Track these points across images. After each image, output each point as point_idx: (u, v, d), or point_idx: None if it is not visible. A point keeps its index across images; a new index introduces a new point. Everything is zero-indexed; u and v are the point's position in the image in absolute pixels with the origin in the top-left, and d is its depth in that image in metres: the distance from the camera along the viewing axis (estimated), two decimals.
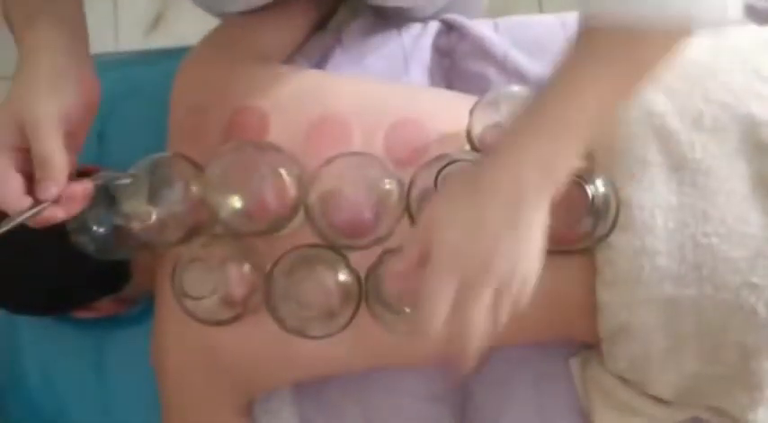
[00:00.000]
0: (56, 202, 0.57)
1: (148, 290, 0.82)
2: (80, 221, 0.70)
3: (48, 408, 0.91)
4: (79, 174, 0.75)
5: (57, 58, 0.57)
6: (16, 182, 0.55)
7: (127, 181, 0.68)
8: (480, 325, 0.51)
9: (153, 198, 0.68)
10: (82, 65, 0.59)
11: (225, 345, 0.72)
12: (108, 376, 0.91)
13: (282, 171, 0.66)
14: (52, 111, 0.55)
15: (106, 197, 0.70)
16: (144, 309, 0.89)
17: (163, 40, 1.55)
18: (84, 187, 0.59)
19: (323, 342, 0.66)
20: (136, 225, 0.68)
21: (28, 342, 0.92)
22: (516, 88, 0.67)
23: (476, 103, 0.69)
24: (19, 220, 0.56)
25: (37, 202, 0.56)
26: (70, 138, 0.57)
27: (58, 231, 0.70)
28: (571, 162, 0.54)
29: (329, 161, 0.66)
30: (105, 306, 0.84)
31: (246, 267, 0.69)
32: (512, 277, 0.52)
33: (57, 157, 0.55)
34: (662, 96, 0.69)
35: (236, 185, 0.64)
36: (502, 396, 0.80)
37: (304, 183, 0.66)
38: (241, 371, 0.74)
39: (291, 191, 0.66)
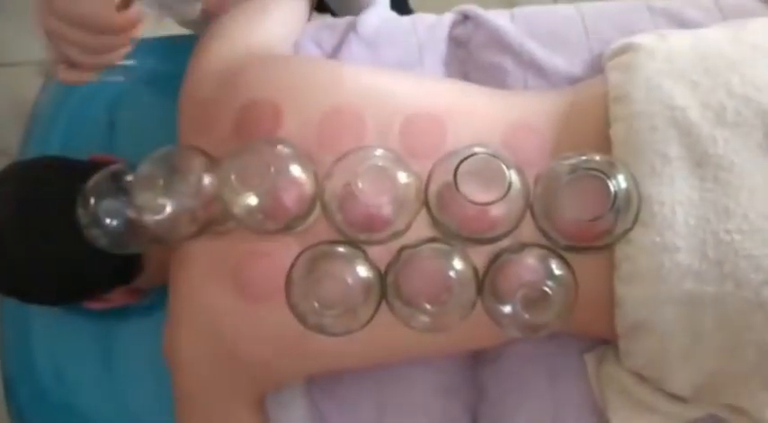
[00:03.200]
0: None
1: (160, 281, 0.81)
2: (92, 215, 0.69)
3: (57, 397, 0.91)
4: (94, 164, 0.75)
5: None
6: None
7: (140, 174, 0.68)
8: None
9: (166, 191, 0.67)
10: None
11: (239, 338, 0.72)
12: (117, 366, 0.91)
13: (298, 168, 0.65)
14: None
15: (119, 190, 0.70)
16: (155, 300, 0.89)
17: (175, 28, 1.53)
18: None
19: (339, 338, 0.66)
20: (149, 218, 0.68)
21: (38, 331, 0.92)
22: (477, 148, 0.65)
23: (437, 161, 0.67)
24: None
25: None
26: None
27: (70, 222, 0.70)
28: None
29: (345, 156, 0.65)
30: (116, 297, 0.83)
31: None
32: None
33: None
34: (684, 90, 0.68)
35: (252, 183, 0.63)
36: (515, 391, 0.79)
37: (319, 179, 0.65)
38: (255, 364, 0.73)
39: (307, 188, 0.65)
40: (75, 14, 0.63)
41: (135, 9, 0.64)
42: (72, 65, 0.67)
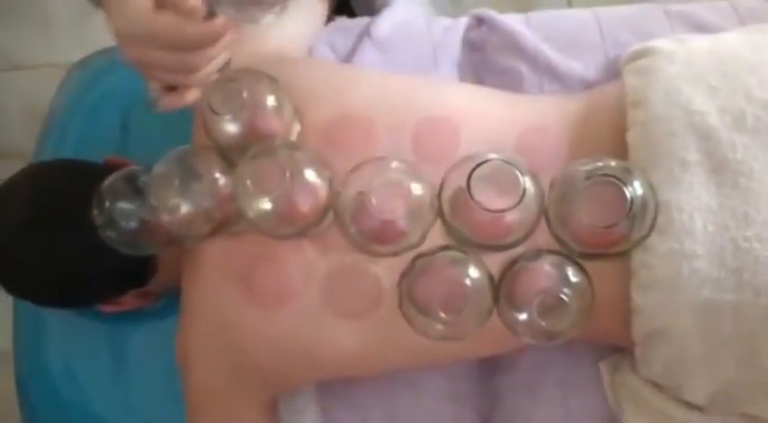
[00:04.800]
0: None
1: (173, 285, 0.81)
2: (107, 216, 0.69)
3: (69, 398, 0.92)
4: (108, 167, 0.75)
5: None
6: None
7: (156, 174, 0.68)
8: None
9: (181, 191, 0.67)
10: None
11: (251, 343, 0.72)
12: (129, 369, 0.91)
13: (313, 174, 0.65)
14: None
15: (134, 191, 0.70)
16: (167, 304, 0.89)
17: None
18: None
19: (352, 343, 0.65)
20: (164, 218, 0.68)
21: (52, 332, 0.92)
22: (491, 153, 0.64)
23: (451, 167, 0.65)
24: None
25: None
26: None
27: (84, 224, 0.70)
28: None
29: (359, 166, 0.65)
30: (129, 300, 0.84)
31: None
32: None
33: None
34: (702, 94, 0.67)
35: (267, 188, 0.63)
36: (529, 399, 0.78)
37: (335, 187, 0.65)
38: (267, 370, 0.73)
39: (322, 194, 0.65)
40: (159, 35, 0.58)
41: (221, 19, 0.60)
42: (171, 88, 0.65)
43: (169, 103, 0.65)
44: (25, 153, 1.04)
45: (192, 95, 0.65)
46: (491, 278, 0.66)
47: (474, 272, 0.64)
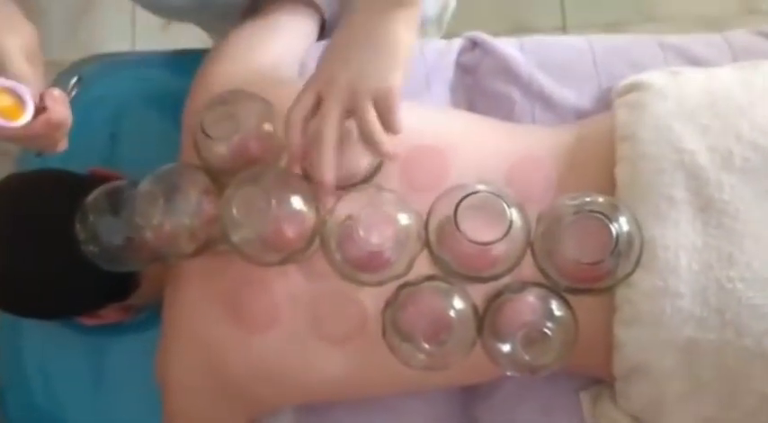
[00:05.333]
0: (41, 111, 0.64)
1: (155, 299, 0.80)
2: (91, 231, 0.69)
3: (47, 410, 0.91)
4: (98, 178, 0.75)
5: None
6: None
7: (142, 191, 0.67)
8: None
9: (166, 209, 0.67)
10: (17, 11, 0.67)
11: (232, 366, 0.71)
12: (107, 383, 0.90)
13: (300, 202, 0.64)
14: (14, 43, 0.64)
15: (118, 207, 0.69)
16: (148, 318, 0.88)
17: (180, 41, 1.54)
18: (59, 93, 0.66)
19: (335, 368, 0.65)
20: (148, 236, 0.67)
21: (30, 344, 0.91)
22: (479, 185, 0.64)
23: (438, 196, 0.66)
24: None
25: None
26: (31, 65, 0.65)
27: (67, 237, 0.69)
28: None
29: (346, 195, 0.64)
30: (110, 313, 0.83)
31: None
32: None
33: (29, 73, 0.63)
34: (693, 133, 0.67)
35: (252, 216, 0.62)
36: None
37: (321, 215, 0.65)
38: (249, 392, 0.72)
39: (308, 223, 0.65)
40: None
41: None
42: None
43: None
44: (11, 152, 1.03)
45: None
46: (475, 309, 0.65)
47: (459, 303, 0.64)
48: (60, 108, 0.65)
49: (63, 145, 0.69)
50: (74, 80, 0.73)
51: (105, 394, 0.89)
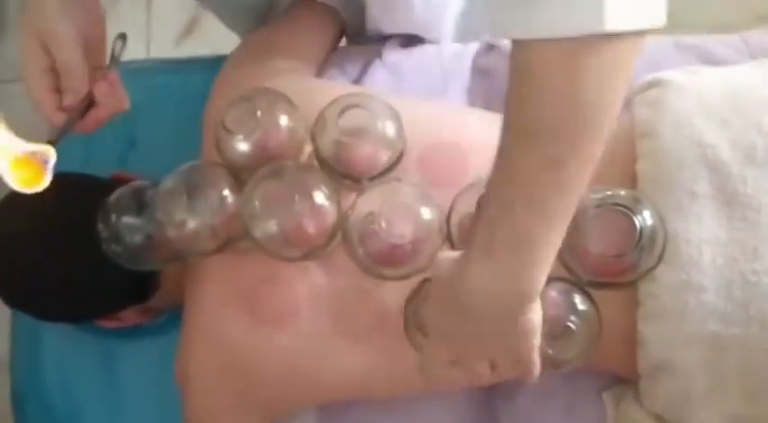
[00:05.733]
0: (91, 105, 0.65)
1: (175, 302, 0.81)
2: (113, 230, 0.69)
3: (64, 414, 0.90)
4: (120, 182, 0.75)
5: None
6: (51, 99, 0.64)
7: (164, 188, 0.68)
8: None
9: (188, 207, 0.67)
10: None
11: (253, 364, 0.71)
12: (124, 386, 0.90)
13: (322, 197, 0.65)
14: (67, 27, 0.63)
15: (140, 206, 0.69)
16: (166, 321, 0.88)
17: (196, 48, 1.55)
18: (110, 76, 0.66)
19: (356, 365, 0.65)
20: (170, 233, 0.68)
21: (49, 348, 0.91)
22: None
23: (459, 193, 0.66)
24: (62, 131, 0.64)
25: (66, 109, 0.64)
26: (90, 53, 0.65)
27: (89, 240, 0.69)
28: (542, 266, 0.53)
29: (369, 189, 0.65)
30: (130, 316, 0.83)
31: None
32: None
33: (77, 64, 0.63)
34: (714, 128, 0.67)
35: (275, 211, 0.63)
36: None
37: (342, 210, 0.65)
38: (269, 391, 0.72)
39: (330, 218, 0.65)
40: None
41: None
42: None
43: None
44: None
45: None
46: None
47: None
48: (110, 101, 0.65)
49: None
50: (118, 45, 0.71)
51: (122, 398, 0.89)
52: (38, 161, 0.59)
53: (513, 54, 0.49)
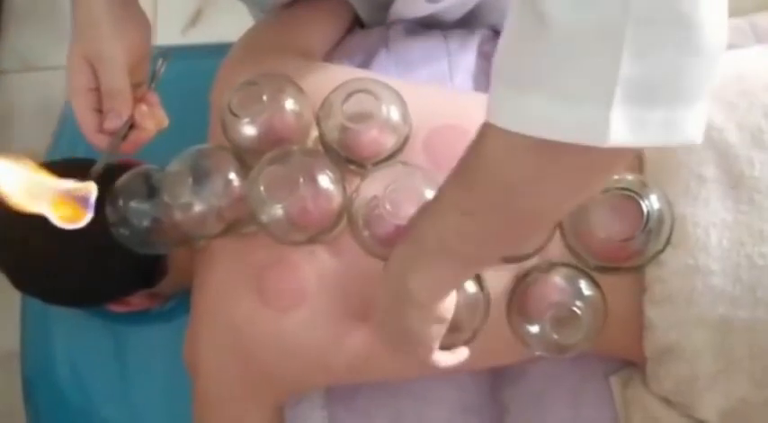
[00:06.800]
0: (132, 127, 0.66)
1: (183, 286, 0.81)
2: (121, 214, 0.69)
3: (74, 401, 0.91)
4: (121, 166, 0.75)
5: (112, 2, 0.64)
6: (93, 120, 0.65)
7: (170, 171, 0.68)
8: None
9: (195, 190, 0.67)
10: (133, 7, 0.66)
11: (261, 347, 0.71)
12: (134, 371, 0.91)
13: (327, 181, 0.65)
14: (118, 51, 0.63)
15: (148, 190, 0.70)
16: (175, 305, 0.88)
17: (202, 36, 1.55)
18: (150, 97, 0.68)
19: (363, 346, 0.65)
20: (176, 216, 0.68)
21: (58, 334, 0.92)
22: None
23: None
24: (106, 157, 0.65)
25: (106, 131, 0.65)
26: (133, 70, 0.65)
27: (97, 224, 0.70)
28: (436, 284, 0.56)
29: (373, 172, 0.65)
30: (138, 301, 0.83)
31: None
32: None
33: (123, 89, 0.64)
34: (720, 111, 0.67)
35: (280, 194, 0.63)
36: (538, 412, 0.78)
37: (348, 193, 0.65)
38: (277, 374, 0.72)
39: (335, 202, 0.65)
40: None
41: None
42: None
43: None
44: (40, 152, 1.04)
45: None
46: (488, 297, 0.66)
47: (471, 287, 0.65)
48: (150, 123, 0.66)
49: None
50: (159, 64, 0.71)
51: (133, 383, 0.89)
52: (78, 198, 0.59)
53: (482, 130, 0.46)
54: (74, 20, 0.64)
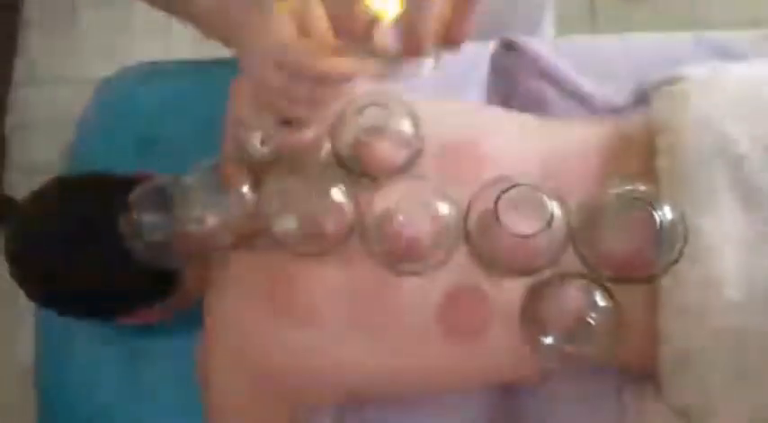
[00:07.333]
0: None
1: (195, 300, 0.81)
2: (135, 227, 0.70)
3: (87, 411, 0.91)
4: (132, 181, 0.76)
5: None
6: None
7: (184, 184, 0.68)
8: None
9: (208, 203, 0.68)
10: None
11: (273, 361, 0.71)
12: (146, 385, 0.91)
13: (340, 194, 0.65)
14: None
15: (162, 203, 0.70)
16: (190, 318, 0.89)
17: (214, 50, 1.56)
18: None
19: (375, 360, 0.65)
20: (190, 229, 0.68)
21: (75, 346, 0.92)
22: (518, 178, 0.63)
23: (477, 190, 0.65)
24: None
25: None
26: None
27: (111, 237, 0.70)
28: None
29: (386, 185, 0.65)
30: (151, 313, 0.83)
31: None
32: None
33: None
34: (734, 123, 0.67)
35: (293, 207, 0.63)
36: None
37: (359, 206, 0.65)
38: (290, 387, 0.73)
39: (347, 214, 0.65)
40: (297, 63, 0.56)
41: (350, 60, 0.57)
42: (286, 123, 0.61)
43: (285, 138, 0.61)
44: (54, 164, 1.05)
45: (310, 132, 0.61)
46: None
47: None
48: None
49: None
50: None
51: (145, 396, 0.90)
52: None
53: None
54: None
